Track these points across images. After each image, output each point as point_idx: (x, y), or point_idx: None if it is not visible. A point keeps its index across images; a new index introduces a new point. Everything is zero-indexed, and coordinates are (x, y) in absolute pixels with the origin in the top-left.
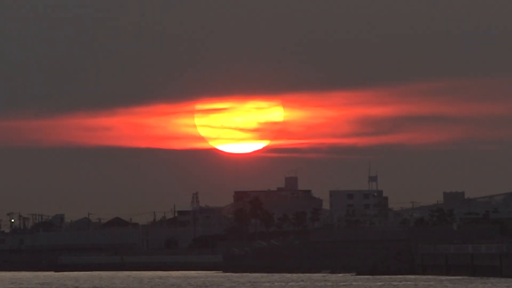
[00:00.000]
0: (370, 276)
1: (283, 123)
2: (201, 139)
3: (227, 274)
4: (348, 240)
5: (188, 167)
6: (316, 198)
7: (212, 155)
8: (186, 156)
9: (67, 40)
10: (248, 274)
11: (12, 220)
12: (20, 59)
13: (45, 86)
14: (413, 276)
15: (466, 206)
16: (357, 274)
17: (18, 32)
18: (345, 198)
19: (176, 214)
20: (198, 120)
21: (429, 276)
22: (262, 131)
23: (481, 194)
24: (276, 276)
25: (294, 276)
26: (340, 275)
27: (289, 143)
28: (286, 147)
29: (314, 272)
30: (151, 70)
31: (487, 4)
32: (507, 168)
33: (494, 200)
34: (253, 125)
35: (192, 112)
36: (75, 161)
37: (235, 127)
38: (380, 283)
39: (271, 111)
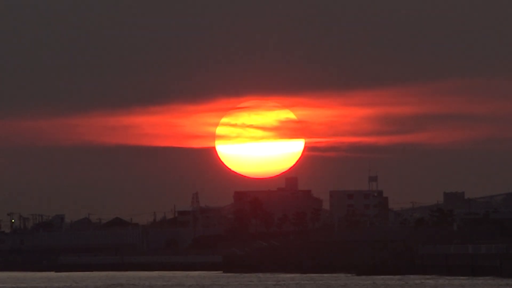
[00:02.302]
0: (370, 276)
1: (304, 121)
2: (204, 138)
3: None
4: (348, 240)
5: (188, 167)
6: (316, 198)
7: (213, 154)
8: (186, 155)
9: (85, 39)
10: (248, 274)
11: (13, 220)
12: (31, 59)
13: (51, 86)
14: (413, 276)
15: (466, 206)
16: (357, 274)
17: (36, 32)
18: (345, 198)
19: (176, 214)
20: (210, 119)
21: (429, 276)
22: (282, 129)
23: (481, 194)
24: (276, 276)
25: (294, 276)
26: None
27: (309, 142)
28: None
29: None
30: (168, 69)
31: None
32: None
33: (494, 200)
34: (274, 123)
35: (200, 112)
36: (75, 161)
37: (252, 125)
38: (380, 283)
39: (291, 110)
